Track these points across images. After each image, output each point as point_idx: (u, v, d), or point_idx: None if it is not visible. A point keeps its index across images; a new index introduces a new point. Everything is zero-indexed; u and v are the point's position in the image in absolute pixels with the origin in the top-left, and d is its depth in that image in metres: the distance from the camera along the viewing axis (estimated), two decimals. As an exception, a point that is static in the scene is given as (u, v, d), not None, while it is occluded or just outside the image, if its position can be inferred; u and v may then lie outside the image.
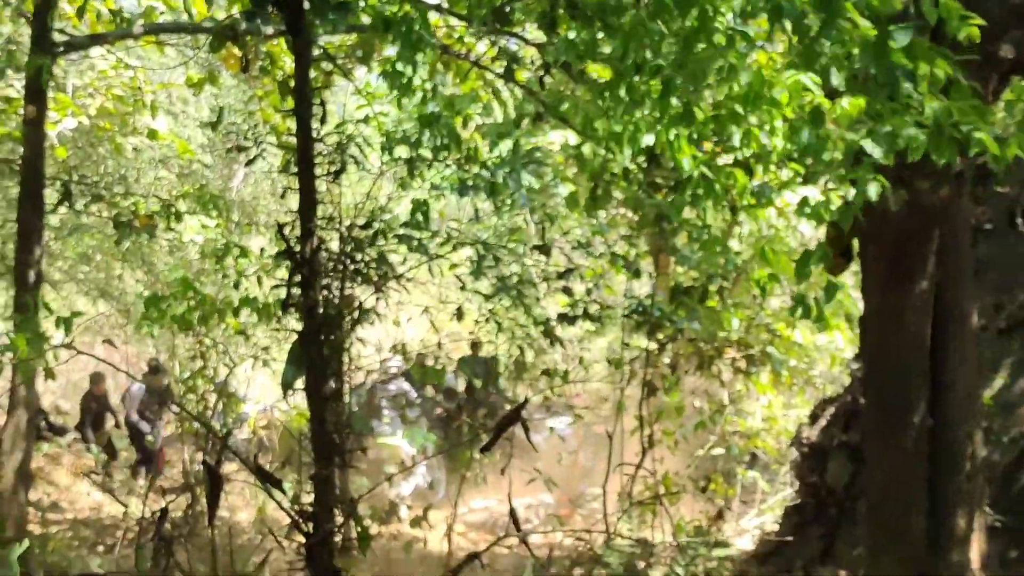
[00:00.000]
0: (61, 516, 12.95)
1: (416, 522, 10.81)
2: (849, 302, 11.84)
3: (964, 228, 7.89)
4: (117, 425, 17.15)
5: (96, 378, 16.90)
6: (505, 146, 8.66)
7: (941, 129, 4.86)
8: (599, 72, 6.67)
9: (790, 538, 10.42)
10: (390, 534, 10.96)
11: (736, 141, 5.46)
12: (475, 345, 12.60)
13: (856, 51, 4.74)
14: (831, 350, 12.85)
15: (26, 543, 5.39)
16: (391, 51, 8.02)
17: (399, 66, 6.12)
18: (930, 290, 7.63)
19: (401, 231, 7.97)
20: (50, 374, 6.11)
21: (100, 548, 12.04)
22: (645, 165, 8.88)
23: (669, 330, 10.20)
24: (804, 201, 5.83)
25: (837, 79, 4.90)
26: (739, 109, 5.16)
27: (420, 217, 7.41)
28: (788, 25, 4.80)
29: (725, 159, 6.37)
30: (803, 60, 4.80)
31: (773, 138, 5.27)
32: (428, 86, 7.49)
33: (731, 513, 9.74)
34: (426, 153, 8.14)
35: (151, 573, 5.72)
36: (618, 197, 9.91)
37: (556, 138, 9.04)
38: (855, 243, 7.99)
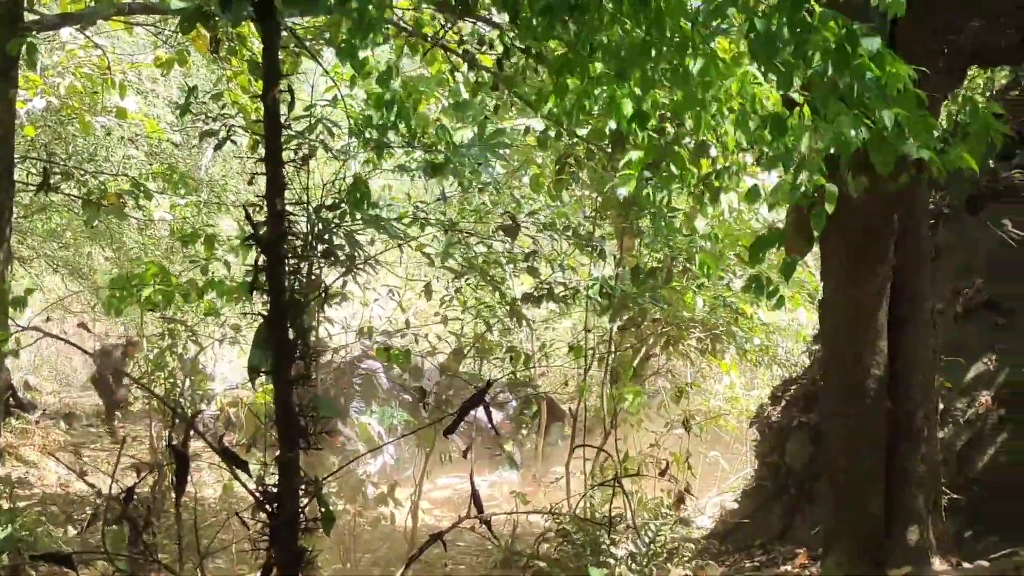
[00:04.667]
0: (29, 492, 12.96)
1: (381, 500, 10.92)
2: (812, 281, 11.97)
3: (923, 215, 8.04)
4: None
5: None
6: (468, 130, 8.73)
7: (884, 139, 4.95)
8: (556, 46, 6.68)
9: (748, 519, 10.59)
10: (356, 511, 11.05)
11: (688, 125, 5.55)
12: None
13: (818, 55, 4.74)
14: (794, 328, 12.97)
15: (9, 529, 5.41)
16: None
17: (354, 47, 6.07)
18: (889, 275, 7.78)
19: (369, 212, 8.03)
20: (14, 354, 6.12)
21: (68, 524, 12.07)
22: (610, 148, 8.97)
23: (633, 311, 10.31)
24: (754, 189, 5.93)
25: (796, 79, 4.93)
26: (692, 94, 5.19)
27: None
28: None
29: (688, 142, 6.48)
30: (760, 54, 4.81)
31: (723, 127, 5.36)
32: (389, 67, 7.51)
33: (691, 494, 9.86)
34: (391, 135, 8.18)
35: (118, 552, 5.77)
36: (584, 179, 10.00)
37: (522, 122, 9.10)
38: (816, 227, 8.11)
